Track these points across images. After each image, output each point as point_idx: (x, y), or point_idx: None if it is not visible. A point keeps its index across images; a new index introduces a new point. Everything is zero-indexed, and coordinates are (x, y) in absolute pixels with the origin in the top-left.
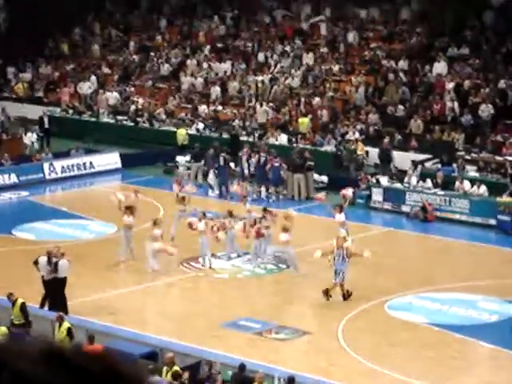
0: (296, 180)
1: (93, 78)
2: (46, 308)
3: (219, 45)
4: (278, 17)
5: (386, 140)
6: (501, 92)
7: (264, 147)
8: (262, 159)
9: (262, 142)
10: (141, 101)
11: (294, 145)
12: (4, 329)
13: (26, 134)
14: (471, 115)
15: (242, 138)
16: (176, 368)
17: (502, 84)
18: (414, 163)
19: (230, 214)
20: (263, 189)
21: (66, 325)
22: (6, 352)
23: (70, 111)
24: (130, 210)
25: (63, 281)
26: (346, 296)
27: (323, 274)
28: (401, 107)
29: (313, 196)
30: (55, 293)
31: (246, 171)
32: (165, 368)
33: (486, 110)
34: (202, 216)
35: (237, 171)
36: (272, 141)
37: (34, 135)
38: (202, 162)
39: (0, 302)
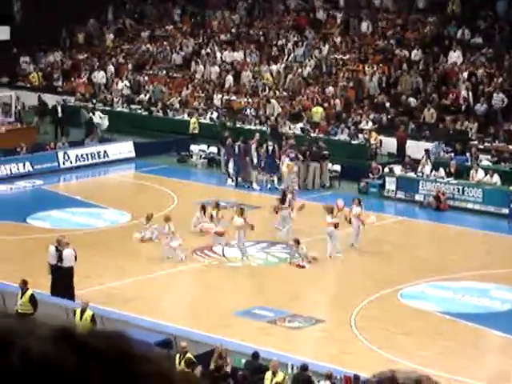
0: (312, 169)
1: (110, 67)
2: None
3: (232, 34)
4: (291, 6)
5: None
6: None
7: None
8: (270, 148)
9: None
10: (152, 88)
11: (312, 135)
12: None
13: (94, 114)
14: (485, 104)
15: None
16: (189, 355)
17: None
18: (427, 152)
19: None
20: (275, 178)
21: (89, 312)
22: (14, 332)
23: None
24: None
25: (69, 270)
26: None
27: (335, 262)
28: (414, 97)
29: (326, 185)
30: (61, 282)
31: (255, 160)
32: (177, 356)
33: (498, 99)
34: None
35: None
36: (285, 130)
37: (99, 114)
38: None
39: (11, 288)
